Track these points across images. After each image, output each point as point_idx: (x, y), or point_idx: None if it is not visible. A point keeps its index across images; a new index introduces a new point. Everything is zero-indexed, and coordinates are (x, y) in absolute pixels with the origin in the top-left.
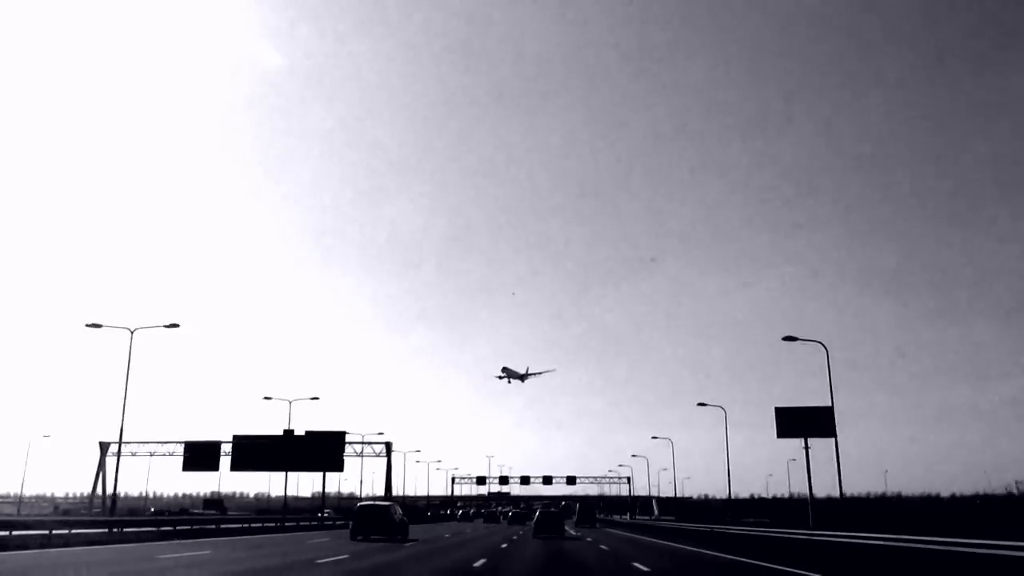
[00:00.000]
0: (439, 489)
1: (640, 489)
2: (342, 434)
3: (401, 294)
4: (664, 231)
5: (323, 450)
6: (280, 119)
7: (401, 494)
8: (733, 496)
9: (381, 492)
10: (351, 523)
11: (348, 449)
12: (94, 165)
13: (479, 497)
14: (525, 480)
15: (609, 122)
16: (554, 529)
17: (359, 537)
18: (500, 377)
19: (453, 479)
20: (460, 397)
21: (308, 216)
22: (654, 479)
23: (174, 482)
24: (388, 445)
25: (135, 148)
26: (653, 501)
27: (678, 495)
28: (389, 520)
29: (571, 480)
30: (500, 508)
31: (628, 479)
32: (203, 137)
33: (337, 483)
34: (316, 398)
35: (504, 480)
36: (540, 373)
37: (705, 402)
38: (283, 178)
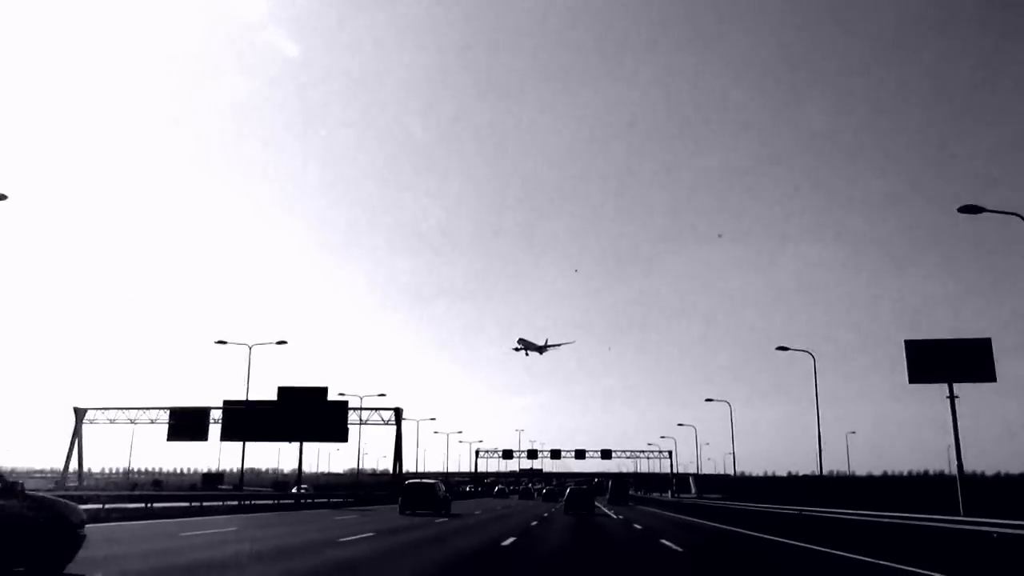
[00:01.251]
0: (461, 464)
1: (681, 467)
2: (342, 400)
3: (423, 270)
4: (724, 206)
5: (324, 417)
6: (298, 110)
7: (414, 469)
8: (770, 474)
9: (389, 466)
10: (400, 499)
11: (351, 416)
12: (107, 162)
13: (510, 474)
14: (556, 454)
15: (659, 95)
16: (584, 506)
17: (407, 512)
18: (517, 349)
19: (477, 452)
20: (485, 371)
21: (328, 202)
22: (689, 456)
23: (186, 456)
24: (398, 411)
25: (150, 139)
26: (690, 478)
27: (717, 472)
28: (434, 496)
29: (606, 454)
30: (533, 485)
31: (669, 453)
32: (219, 127)
33: (368, 458)
34: (283, 342)
35: (533, 454)
36: (559, 345)
37: (786, 346)
38: (302, 169)
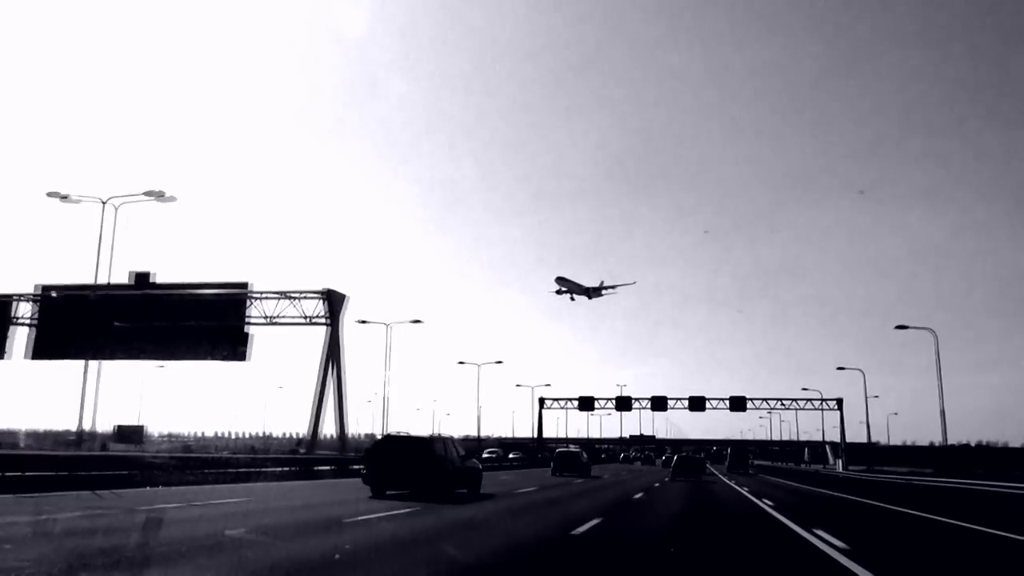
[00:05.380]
0: (492, 425)
1: (808, 435)
2: (236, 283)
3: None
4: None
5: (207, 317)
6: (362, 89)
7: (374, 429)
8: (946, 442)
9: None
10: (552, 464)
11: (253, 311)
12: (172, 132)
13: (620, 441)
14: (660, 404)
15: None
16: (692, 471)
17: (557, 474)
18: (559, 292)
19: (542, 401)
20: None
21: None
22: (810, 423)
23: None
24: (331, 297)
25: (216, 117)
26: (827, 447)
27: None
28: (579, 462)
29: (737, 404)
30: (650, 453)
31: (839, 403)
32: (286, 107)
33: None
34: None
35: (625, 404)
36: (615, 287)
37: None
38: (366, 146)
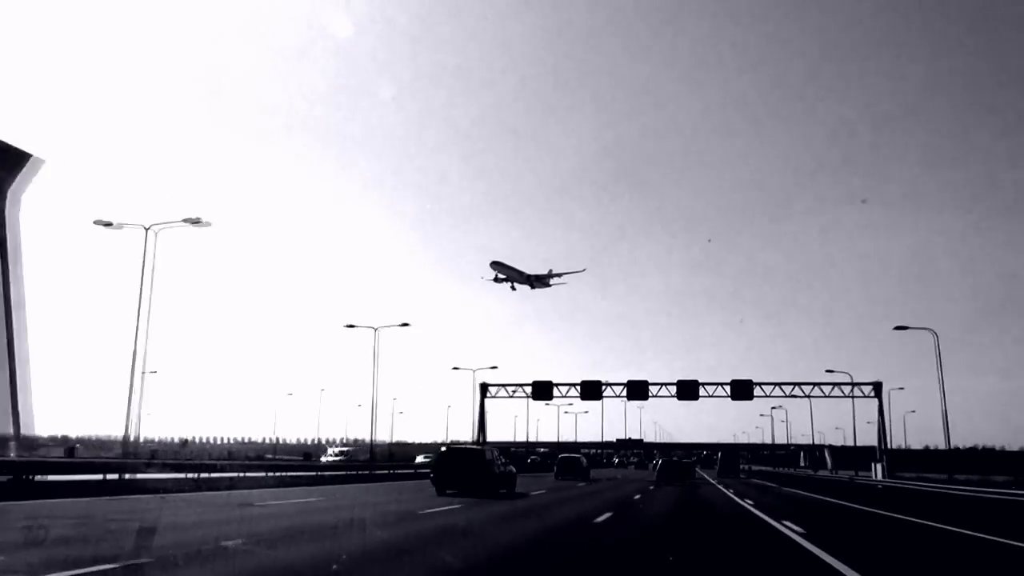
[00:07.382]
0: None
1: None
2: None
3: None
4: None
5: None
6: (351, 91)
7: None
8: (954, 446)
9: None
10: (555, 468)
11: None
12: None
13: (602, 445)
14: (638, 390)
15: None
16: (679, 476)
17: (559, 478)
18: (499, 280)
19: (484, 388)
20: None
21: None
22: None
23: None
24: None
25: (200, 121)
26: (826, 450)
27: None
28: (580, 466)
29: (741, 390)
30: (644, 459)
31: (876, 388)
32: (271, 109)
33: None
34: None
35: (592, 390)
36: (562, 275)
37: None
38: (354, 150)
